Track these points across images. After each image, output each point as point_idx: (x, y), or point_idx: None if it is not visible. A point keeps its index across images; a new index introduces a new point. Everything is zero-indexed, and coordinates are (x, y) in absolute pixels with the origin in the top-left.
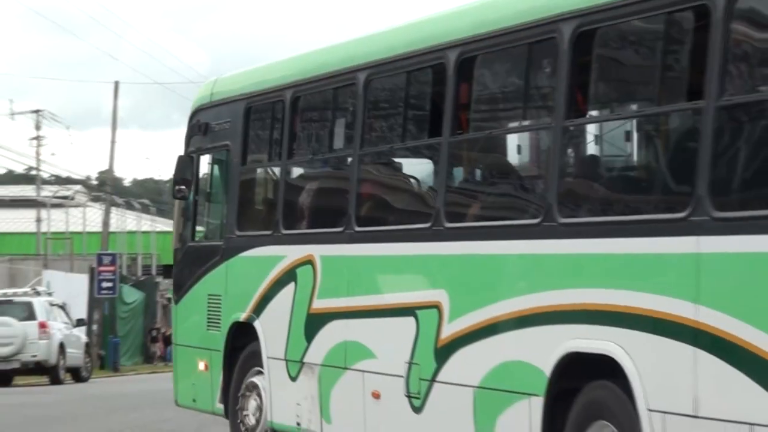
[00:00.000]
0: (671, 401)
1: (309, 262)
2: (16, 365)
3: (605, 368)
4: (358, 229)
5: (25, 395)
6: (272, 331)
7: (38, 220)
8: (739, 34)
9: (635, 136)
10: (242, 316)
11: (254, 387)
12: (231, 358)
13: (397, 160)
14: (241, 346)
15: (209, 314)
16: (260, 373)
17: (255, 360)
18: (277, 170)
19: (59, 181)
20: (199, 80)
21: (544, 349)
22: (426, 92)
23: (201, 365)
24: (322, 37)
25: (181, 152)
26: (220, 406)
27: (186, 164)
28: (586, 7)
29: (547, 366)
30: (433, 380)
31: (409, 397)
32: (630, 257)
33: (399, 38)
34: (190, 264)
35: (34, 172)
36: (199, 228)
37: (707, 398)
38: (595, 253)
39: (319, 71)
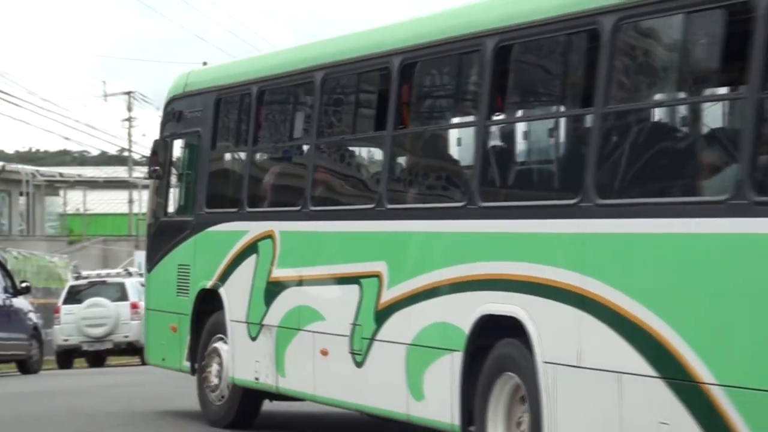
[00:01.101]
0: (561, 354)
1: (269, 236)
2: (108, 345)
3: (512, 328)
4: (312, 208)
5: (118, 375)
6: (235, 297)
7: (130, 201)
8: (621, 54)
9: (540, 135)
10: (209, 284)
11: (216, 351)
12: (197, 321)
13: (347, 149)
14: (206, 311)
15: (179, 282)
16: (221, 339)
17: (219, 327)
18: (243, 155)
19: None
20: None
21: (464, 312)
22: (373, 92)
23: (170, 328)
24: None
25: (157, 137)
26: (187, 364)
27: (161, 147)
28: (505, 26)
29: (466, 326)
30: (372, 339)
31: (352, 353)
32: (533, 235)
33: (351, 44)
34: (162, 237)
35: (126, 154)
36: (171, 205)
37: (588, 352)
38: (506, 231)
39: (282, 69)
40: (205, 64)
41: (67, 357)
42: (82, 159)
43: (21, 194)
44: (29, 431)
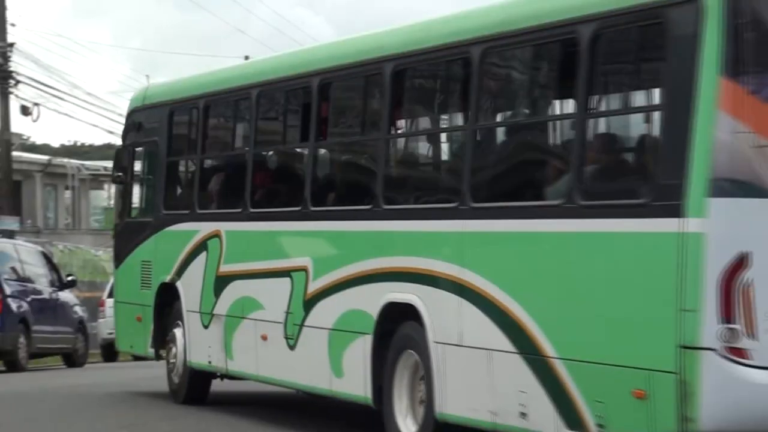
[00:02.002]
0: (447, 335)
1: (217, 235)
2: None
3: (411, 314)
4: (251, 210)
5: (161, 368)
6: (190, 289)
7: None
8: (488, 78)
9: (429, 148)
10: (167, 278)
11: (174, 337)
12: (159, 312)
13: (278, 158)
14: (167, 303)
15: (142, 277)
16: (180, 326)
17: (178, 316)
18: (192, 162)
19: None
20: None
21: (372, 300)
22: (298, 107)
23: (136, 318)
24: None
25: (120, 145)
26: (152, 350)
27: (123, 155)
28: (400, 52)
29: (374, 312)
30: (302, 325)
31: (286, 338)
32: (424, 234)
33: (280, 64)
34: (127, 236)
35: None
36: (134, 207)
37: (466, 332)
38: (404, 230)
39: (225, 86)
40: (246, 58)
41: (111, 350)
42: None
43: (67, 188)
44: (74, 424)
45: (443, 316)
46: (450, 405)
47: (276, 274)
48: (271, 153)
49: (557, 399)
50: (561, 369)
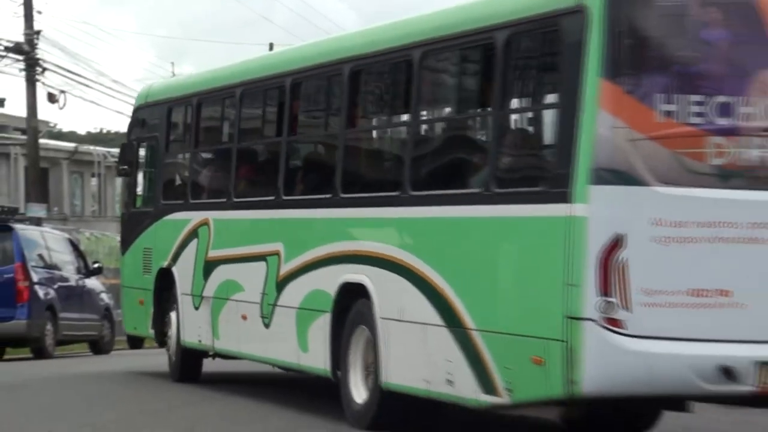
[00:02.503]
0: (390, 311)
1: (206, 223)
2: None
3: (362, 292)
4: (235, 199)
5: None
6: (184, 274)
7: None
8: (425, 79)
9: (379, 142)
10: (165, 264)
11: (170, 319)
12: (159, 296)
13: (257, 151)
14: (165, 287)
15: (144, 263)
16: (174, 308)
17: (173, 299)
18: (186, 156)
19: None
20: None
21: (331, 281)
22: (274, 106)
23: (139, 302)
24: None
25: (125, 140)
26: (152, 331)
27: (128, 149)
28: (355, 54)
29: (333, 292)
30: (275, 305)
31: (262, 317)
32: (373, 219)
33: (260, 65)
34: (132, 225)
35: None
36: (138, 198)
37: (406, 309)
38: (356, 217)
39: (214, 85)
40: (271, 46)
41: (137, 338)
42: None
43: (93, 175)
44: (99, 410)
45: (388, 294)
46: (393, 375)
47: (254, 259)
48: (251, 147)
49: (476, 367)
50: (479, 340)
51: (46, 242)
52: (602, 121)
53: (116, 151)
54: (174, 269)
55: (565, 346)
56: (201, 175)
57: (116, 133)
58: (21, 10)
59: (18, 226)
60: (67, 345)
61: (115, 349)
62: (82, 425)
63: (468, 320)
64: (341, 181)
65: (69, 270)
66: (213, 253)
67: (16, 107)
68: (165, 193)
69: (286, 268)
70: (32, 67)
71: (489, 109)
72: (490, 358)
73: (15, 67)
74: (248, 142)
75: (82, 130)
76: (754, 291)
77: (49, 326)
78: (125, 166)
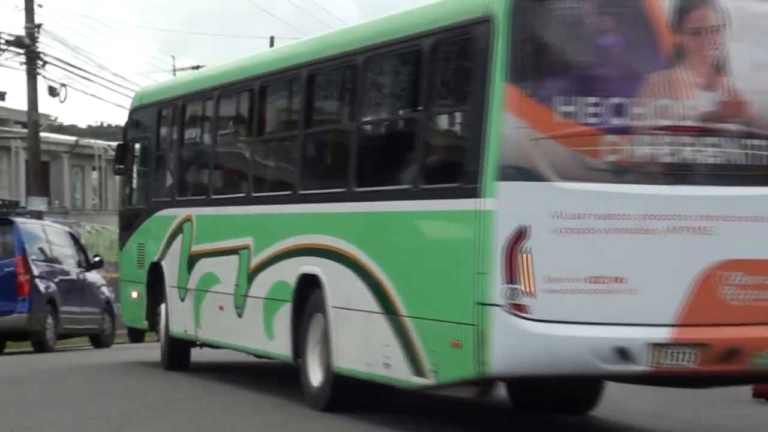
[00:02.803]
0: (339, 300)
1: (189, 219)
2: None
3: (318, 283)
4: (213, 197)
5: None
6: (171, 268)
7: None
8: (367, 87)
9: (331, 143)
10: (155, 258)
11: (160, 311)
12: (152, 289)
13: (231, 152)
14: (157, 280)
15: (138, 258)
16: (164, 300)
17: (163, 291)
18: (173, 155)
19: None
20: None
21: (291, 272)
22: (245, 108)
23: (134, 294)
24: None
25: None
26: (146, 323)
27: (123, 150)
28: (311, 60)
29: (293, 283)
30: (246, 296)
31: (236, 308)
32: (325, 215)
33: (234, 70)
34: (128, 222)
35: None
36: (133, 195)
37: (352, 298)
38: (311, 212)
39: (196, 88)
40: (272, 40)
41: (138, 331)
42: None
43: (93, 169)
44: (102, 404)
45: (337, 285)
46: (342, 359)
47: (229, 252)
48: (226, 147)
49: (408, 351)
50: (410, 326)
51: (47, 236)
52: (507, 122)
53: (117, 144)
54: (163, 263)
55: (476, 330)
56: (185, 173)
57: (117, 127)
58: (22, 4)
59: (19, 220)
60: (68, 338)
61: (116, 342)
62: (87, 417)
63: (401, 307)
64: (299, 178)
65: (70, 263)
66: (195, 248)
67: (17, 101)
68: (155, 190)
69: (255, 261)
70: (33, 60)
71: (417, 111)
72: (419, 342)
73: (16, 61)
74: (224, 142)
75: (82, 124)
76: (646, 278)
77: (49, 320)
78: (121, 166)
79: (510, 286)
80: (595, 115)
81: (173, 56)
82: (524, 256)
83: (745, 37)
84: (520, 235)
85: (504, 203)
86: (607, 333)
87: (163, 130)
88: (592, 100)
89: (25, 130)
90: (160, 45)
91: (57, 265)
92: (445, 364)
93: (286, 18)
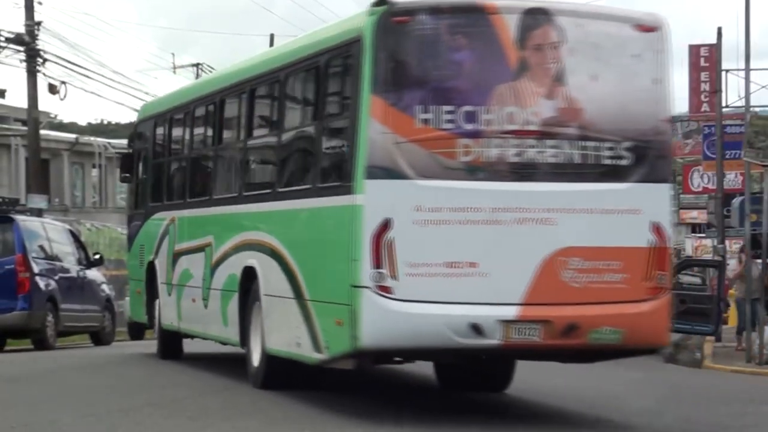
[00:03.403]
0: (269, 289)
1: (173, 221)
2: None
3: (255, 274)
4: (188, 200)
5: (186, 345)
6: (161, 265)
7: None
8: (285, 101)
9: (262, 152)
10: (151, 258)
11: (155, 306)
12: (149, 285)
13: (200, 160)
14: (153, 278)
15: (140, 257)
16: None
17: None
18: (164, 164)
19: None
20: None
21: (237, 265)
22: (210, 120)
23: (137, 291)
24: None
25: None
26: (146, 317)
27: (129, 159)
28: (247, 77)
29: (239, 274)
30: (210, 288)
31: (203, 300)
32: (259, 213)
33: (205, 84)
34: (133, 225)
35: None
36: (137, 201)
37: (277, 286)
38: (249, 212)
39: (178, 103)
40: (272, 37)
41: (138, 328)
42: None
43: (93, 166)
44: (103, 402)
45: (267, 275)
46: (271, 341)
47: (197, 250)
48: (196, 155)
49: (310, 330)
50: (311, 308)
51: (47, 233)
52: (373, 128)
53: (117, 142)
54: (156, 262)
55: (351, 309)
56: (171, 179)
57: (117, 124)
58: (22, 1)
59: (19, 218)
60: (68, 336)
61: (116, 340)
62: (85, 415)
63: (306, 292)
64: (242, 182)
65: (70, 261)
66: (177, 247)
67: (17, 98)
68: (151, 196)
69: (215, 257)
70: (33, 58)
71: (317, 120)
72: (317, 322)
73: (16, 58)
74: (195, 150)
75: (82, 121)
76: (496, 262)
77: (50, 317)
78: (127, 174)
79: (377, 270)
80: (450, 121)
81: (173, 54)
82: (389, 244)
83: (581, 52)
84: (385, 227)
85: (371, 198)
86: (463, 311)
87: (157, 141)
88: (447, 108)
89: (25, 128)
90: (160, 42)
91: (57, 263)
92: (333, 340)
93: (285, 15)
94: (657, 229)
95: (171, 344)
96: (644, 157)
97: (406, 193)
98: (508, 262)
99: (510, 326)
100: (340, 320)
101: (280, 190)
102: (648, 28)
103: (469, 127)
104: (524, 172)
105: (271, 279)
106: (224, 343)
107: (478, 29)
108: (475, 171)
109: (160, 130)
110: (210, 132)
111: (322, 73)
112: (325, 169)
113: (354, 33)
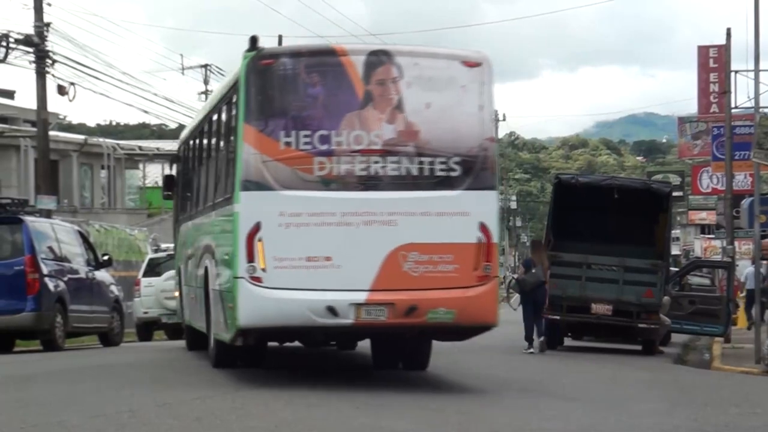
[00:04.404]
0: (212, 284)
1: (183, 232)
2: None
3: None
4: (187, 214)
5: None
6: (182, 270)
7: None
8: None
9: (205, 174)
10: (179, 264)
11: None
12: (180, 287)
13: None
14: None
15: (176, 263)
16: None
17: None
18: (181, 183)
19: None
20: (359, 33)
21: (201, 267)
22: (194, 150)
23: (176, 293)
24: None
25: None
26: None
27: (170, 180)
28: (202, 117)
29: (201, 275)
30: (195, 287)
31: (194, 297)
32: (206, 223)
33: (193, 123)
34: (175, 236)
35: None
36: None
37: (214, 281)
38: (204, 222)
39: (187, 133)
40: (280, 38)
41: (147, 329)
42: (160, 132)
43: (102, 167)
44: (112, 402)
45: (212, 272)
46: (214, 327)
47: (191, 255)
48: (190, 179)
49: (224, 315)
50: (226, 297)
51: (56, 234)
52: (246, 150)
53: (126, 143)
54: (180, 266)
55: (234, 296)
56: (183, 197)
57: (126, 125)
58: (31, 3)
59: (28, 219)
60: (77, 337)
61: (125, 341)
62: (93, 416)
63: (218, 284)
64: (199, 197)
65: (79, 262)
66: (183, 252)
67: (26, 99)
68: (180, 211)
69: (194, 260)
70: (42, 59)
71: (224, 147)
72: (225, 308)
73: (25, 59)
74: (190, 173)
75: (91, 122)
76: (348, 256)
77: (58, 318)
78: (168, 192)
79: (250, 264)
80: (307, 143)
81: (182, 54)
82: (259, 243)
83: (416, 84)
84: (256, 229)
85: (244, 207)
86: (321, 296)
87: (180, 163)
88: (305, 132)
89: (34, 129)
90: (169, 43)
91: (66, 264)
92: (231, 322)
93: (293, 15)
94: (483, 227)
95: (196, 337)
96: (471, 169)
97: (272, 201)
98: (358, 256)
99: (360, 308)
100: (231, 305)
101: (212, 203)
102: (473, 63)
103: (323, 147)
104: (370, 183)
105: (212, 275)
106: (204, 332)
107: (331, 68)
108: (328, 183)
109: (182, 153)
110: (193, 159)
111: (225, 110)
112: (225, 186)
113: (236, 75)
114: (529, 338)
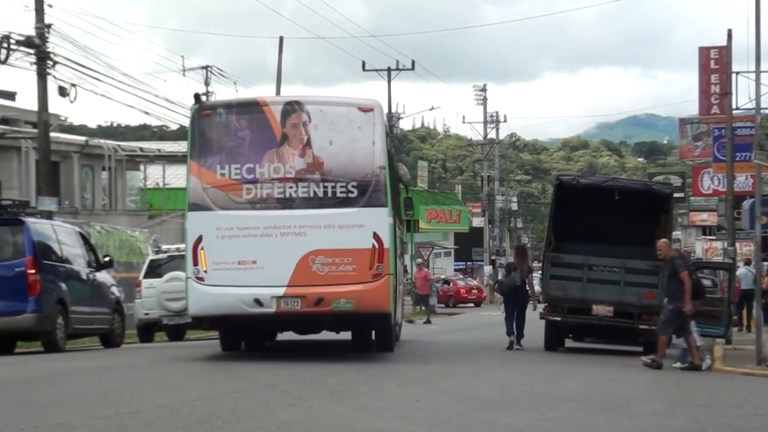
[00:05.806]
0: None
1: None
2: (188, 319)
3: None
4: None
5: (197, 348)
6: None
7: None
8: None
9: None
10: None
11: None
12: None
13: None
14: None
15: None
16: None
17: None
18: None
19: None
20: (360, 35)
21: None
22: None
23: None
24: None
25: None
26: None
27: None
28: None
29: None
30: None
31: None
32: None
33: None
34: None
35: None
36: None
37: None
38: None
39: None
40: (281, 39)
41: (148, 331)
42: (161, 134)
43: (103, 169)
44: (113, 403)
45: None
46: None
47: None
48: None
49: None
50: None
51: (57, 236)
52: (192, 180)
53: (127, 144)
54: None
55: (188, 293)
56: None
57: (126, 127)
58: (32, 4)
59: (29, 220)
60: (78, 338)
61: (126, 342)
62: (95, 417)
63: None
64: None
65: (80, 263)
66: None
67: (27, 101)
68: None
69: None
70: (43, 60)
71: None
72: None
73: (26, 61)
74: None
75: (92, 124)
76: (269, 260)
77: (60, 320)
78: None
79: (196, 267)
80: (237, 174)
81: (183, 56)
82: (202, 251)
83: (322, 126)
84: (199, 240)
85: (191, 223)
86: (249, 291)
87: None
88: (235, 165)
89: (35, 130)
90: (170, 45)
91: (67, 265)
92: (191, 310)
93: (294, 17)
94: (376, 236)
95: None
96: (366, 191)
97: (211, 219)
98: (277, 260)
99: (280, 300)
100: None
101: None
102: (366, 109)
103: (250, 177)
104: (285, 203)
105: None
106: None
107: (256, 116)
108: (254, 204)
109: None
110: None
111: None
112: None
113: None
114: (510, 333)
